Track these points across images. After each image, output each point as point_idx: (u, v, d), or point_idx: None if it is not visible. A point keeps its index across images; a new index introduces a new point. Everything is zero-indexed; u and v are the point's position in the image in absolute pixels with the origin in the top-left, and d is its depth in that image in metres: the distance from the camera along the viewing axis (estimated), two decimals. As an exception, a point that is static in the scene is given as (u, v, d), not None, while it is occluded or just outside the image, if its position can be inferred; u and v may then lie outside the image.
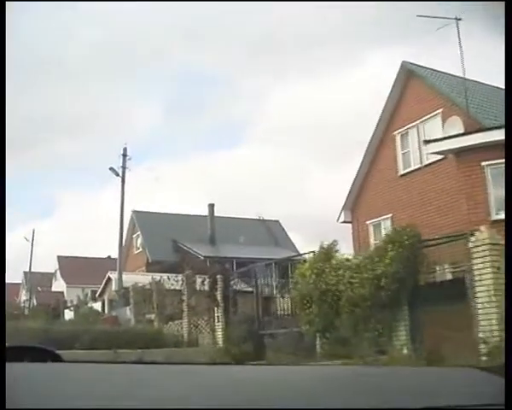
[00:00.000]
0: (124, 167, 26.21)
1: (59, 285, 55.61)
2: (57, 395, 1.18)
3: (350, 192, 21.47)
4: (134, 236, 39.85)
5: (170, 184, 68.08)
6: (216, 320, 15.87)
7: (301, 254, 20.23)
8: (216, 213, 40.37)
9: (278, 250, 39.67)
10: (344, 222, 21.65)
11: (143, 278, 23.94)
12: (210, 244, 38.50)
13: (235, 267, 34.87)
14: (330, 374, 1.79)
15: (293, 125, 67.81)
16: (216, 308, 15.83)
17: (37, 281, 56.90)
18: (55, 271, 57.95)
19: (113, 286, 25.48)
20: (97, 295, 31.54)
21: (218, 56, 58.92)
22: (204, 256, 35.02)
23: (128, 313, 22.36)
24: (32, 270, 65.71)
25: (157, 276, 21.45)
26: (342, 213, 21.62)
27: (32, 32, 55.62)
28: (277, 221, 44.23)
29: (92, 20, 57.13)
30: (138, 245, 38.76)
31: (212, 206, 39.45)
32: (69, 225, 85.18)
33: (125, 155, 26.24)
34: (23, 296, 65.58)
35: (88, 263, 55.01)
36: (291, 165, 68.71)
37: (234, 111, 67.68)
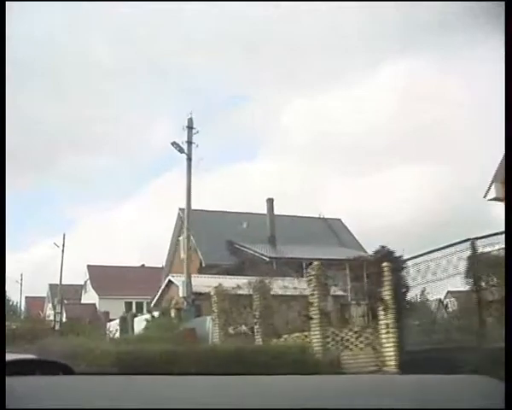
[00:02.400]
0: (190, 142, 20.98)
1: (89, 297, 50.52)
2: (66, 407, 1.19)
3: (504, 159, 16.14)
4: (181, 237, 34.60)
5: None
6: (384, 331, 10.52)
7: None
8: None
9: (346, 250, 34.43)
10: (494, 199, 16.33)
11: (216, 281, 18.75)
12: (269, 244, 33.24)
13: (304, 269, 30.05)
14: (339, 384, 1.70)
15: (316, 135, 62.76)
16: (385, 313, 10.51)
17: (64, 293, 52.02)
18: (85, 282, 52.85)
19: (180, 292, 20.23)
20: (152, 304, 26.28)
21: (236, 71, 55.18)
22: (270, 258, 29.78)
23: (208, 324, 17.11)
24: (58, 282, 61.19)
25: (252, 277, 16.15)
26: (492, 187, 16.29)
27: (50, 41, 53.58)
28: (339, 220, 38.94)
29: (112, 30, 53.73)
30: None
31: (270, 201, 34.18)
32: (91, 238, 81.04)
33: (190, 128, 21.02)
34: (48, 310, 60.68)
35: (121, 272, 49.99)
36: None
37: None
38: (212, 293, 16.82)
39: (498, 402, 1.29)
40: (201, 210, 34.14)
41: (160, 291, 24.83)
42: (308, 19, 46.26)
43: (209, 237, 32.10)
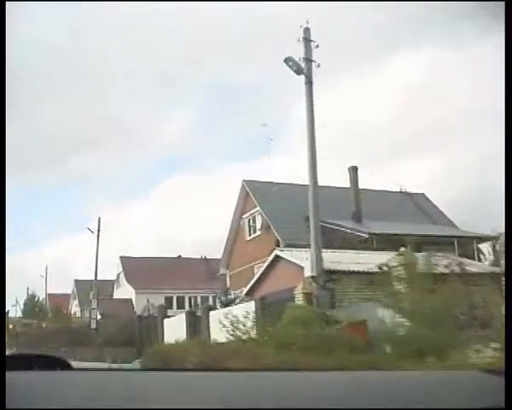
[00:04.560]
0: (309, 60, 14.41)
1: (123, 292, 44.15)
2: (64, 402, 1.17)
3: None
4: (245, 216, 28.22)
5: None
6: None
7: None
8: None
9: (441, 228, 28.16)
10: None
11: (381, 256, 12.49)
12: (354, 220, 26.85)
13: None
14: (333, 380, 1.63)
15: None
16: None
17: (90, 288, 45.86)
18: (118, 275, 46.48)
19: (308, 270, 13.72)
20: (244, 292, 19.77)
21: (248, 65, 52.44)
22: (370, 234, 23.41)
23: (381, 313, 10.77)
24: (84, 278, 55.28)
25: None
26: None
27: (61, 40, 52.06)
28: (423, 194, 32.59)
29: (126, 29, 52.13)
30: (257, 226, 27.08)
31: (354, 170, 27.76)
32: (116, 234, 76.24)
33: (308, 40, 14.37)
34: (74, 307, 54.49)
35: (157, 264, 43.67)
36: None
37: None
38: (391, 266, 10.41)
39: (499, 398, 1.24)
40: (271, 182, 27.80)
41: (259, 275, 18.25)
42: (317, 11, 43.13)
43: (283, 212, 25.73)
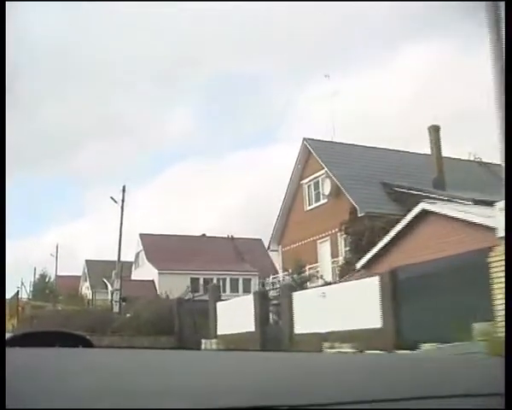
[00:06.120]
0: None
1: (143, 272, 39.38)
2: (84, 380, 1.12)
3: None
4: (305, 181, 23.49)
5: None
6: None
7: None
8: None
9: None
10: None
11: None
12: (436, 188, 22.25)
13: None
14: (344, 362, 1.61)
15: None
16: None
17: (105, 270, 41.23)
18: (137, 254, 41.75)
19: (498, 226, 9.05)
20: (360, 264, 15.04)
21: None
22: (476, 201, 18.75)
23: None
24: (95, 258, 50.70)
25: None
26: None
27: (61, 40, 51.69)
28: (499, 165, 27.88)
29: (126, 29, 51.37)
30: (324, 192, 22.34)
31: (435, 130, 23.03)
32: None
33: None
34: (84, 289, 49.85)
35: (180, 243, 39.06)
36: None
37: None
38: None
39: (499, 383, 1.14)
40: (339, 143, 23.10)
41: (386, 242, 13.40)
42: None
43: (357, 176, 21.04)
